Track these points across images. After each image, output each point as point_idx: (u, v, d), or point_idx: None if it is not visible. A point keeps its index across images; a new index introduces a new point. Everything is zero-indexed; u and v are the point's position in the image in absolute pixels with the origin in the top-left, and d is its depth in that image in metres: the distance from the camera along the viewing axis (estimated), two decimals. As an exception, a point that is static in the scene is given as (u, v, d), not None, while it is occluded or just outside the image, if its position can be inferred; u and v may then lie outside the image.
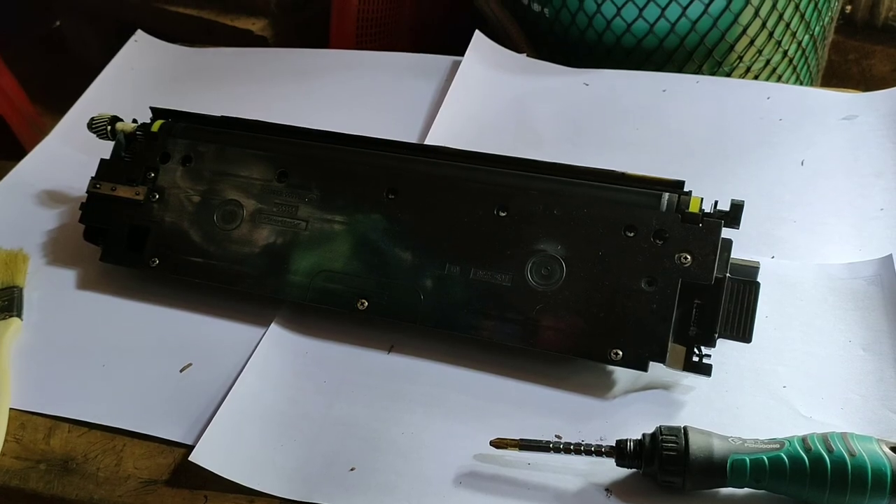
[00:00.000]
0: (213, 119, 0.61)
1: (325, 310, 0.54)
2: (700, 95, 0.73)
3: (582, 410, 0.49)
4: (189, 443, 0.48)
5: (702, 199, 0.50)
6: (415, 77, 0.79)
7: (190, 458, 0.46)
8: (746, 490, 0.43)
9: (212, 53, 0.87)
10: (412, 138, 0.71)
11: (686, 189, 0.51)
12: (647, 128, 0.70)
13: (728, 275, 0.49)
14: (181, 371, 0.53)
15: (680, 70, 0.83)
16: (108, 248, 0.59)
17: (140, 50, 0.87)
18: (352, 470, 0.46)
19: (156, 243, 0.58)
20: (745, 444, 0.42)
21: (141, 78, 0.83)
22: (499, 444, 0.45)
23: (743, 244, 0.52)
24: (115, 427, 0.50)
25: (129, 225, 0.59)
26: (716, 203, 0.51)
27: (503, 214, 0.52)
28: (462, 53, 0.79)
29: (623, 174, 0.52)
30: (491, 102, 0.74)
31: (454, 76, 0.76)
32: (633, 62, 0.84)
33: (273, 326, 0.55)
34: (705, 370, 0.48)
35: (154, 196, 0.59)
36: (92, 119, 0.63)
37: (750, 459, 0.41)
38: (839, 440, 0.41)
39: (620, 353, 0.48)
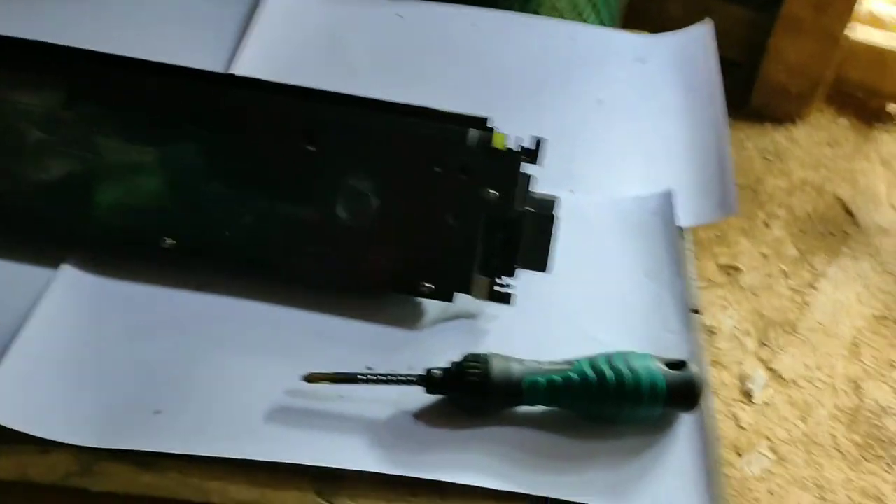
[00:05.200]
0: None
1: (127, 249, 0.51)
2: (509, 32, 0.75)
3: (392, 342, 0.50)
4: (-29, 395, 0.45)
5: (506, 135, 0.52)
6: (219, 2, 0.74)
7: (-29, 413, 0.43)
8: (541, 407, 0.46)
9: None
10: (217, 69, 0.67)
11: (491, 125, 0.53)
12: (459, 63, 0.71)
13: (528, 209, 0.51)
14: (-42, 319, 0.48)
15: (493, 5, 0.85)
16: None
17: None
18: (157, 413, 0.45)
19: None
20: (541, 366, 0.46)
21: None
22: (311, 378, 0.46)
23: (545, 180, 0.55)
24: None
25: None
26: (520, 141, 0.53)
27: (311, 148, 0.52)
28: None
29: (430, 109, 0.53)
30: (301, 31, 0.72)
31: (260, 2, 0.73)
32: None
33: (65, 267, 0.51)
34: (506, 299, 0.51)
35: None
36: None
37: (544, 379, 0.45)
38: (620, 359, 0.45)
39: (428, 285, 0.50)
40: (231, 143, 0.52)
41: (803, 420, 0.94)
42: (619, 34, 0.77)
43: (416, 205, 0.51)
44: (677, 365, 0.46)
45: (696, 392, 0.45)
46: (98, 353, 0.47)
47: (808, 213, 1.16)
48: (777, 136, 1.25)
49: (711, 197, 0.61)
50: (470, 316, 0.52)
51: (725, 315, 1.03)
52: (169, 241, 0.51)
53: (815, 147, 1.23)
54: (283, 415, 0.46)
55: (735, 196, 0.60)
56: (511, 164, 0.51)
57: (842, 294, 1.06)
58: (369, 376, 0.45)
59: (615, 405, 0.45)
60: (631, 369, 0.45)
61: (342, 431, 0.45)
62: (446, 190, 0.51)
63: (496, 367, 0.45)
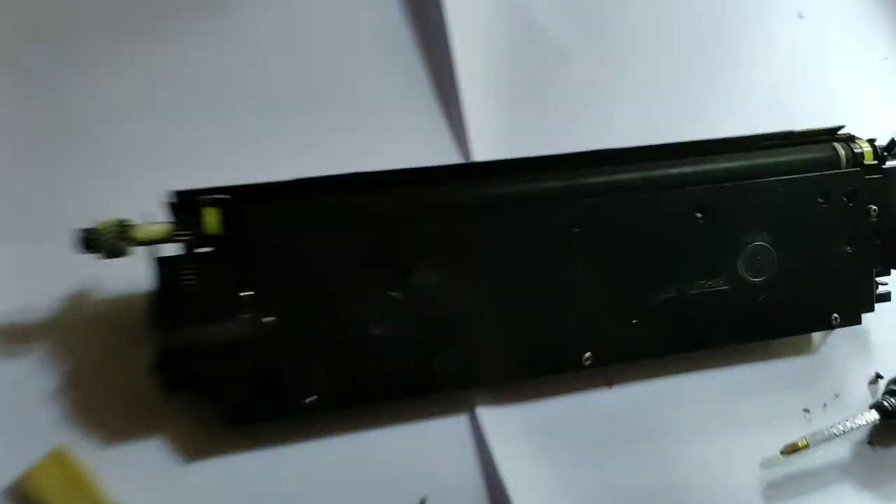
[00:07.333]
0: (282, 186, 0.43)
1: (546, 373, 0.48)
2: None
3: (804, 375, 0.52)
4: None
5: (873, 142, 0.50)
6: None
7: None
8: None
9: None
10: (419, 71, 0.55)
11: (849, 132, 0.51)
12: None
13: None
14: (426, 508, 0.45)
15: None
16: (231, 408, 0.43)
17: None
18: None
19: (298, 377, 0.43)
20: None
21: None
22: (789, 450, 0.48)
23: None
24: None
25: (248, 370, 0.43)
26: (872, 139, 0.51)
27: (699, 216, 0.48)
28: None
29: (789, 133, 0.50)
30: (484, 16, 0.60)
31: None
32: None
33: (481, 409, 0.47)
34: (888, 297, 0.52)
35: (262, 320, 0.42)
36: (90, 231, 0.40)
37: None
38: None
39: (838, 316, 0.51)
40: (622, 235, 0.47)
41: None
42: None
43: (813, 243, 0.50)
44: None
45: None
46: (579, 475, 0.47)
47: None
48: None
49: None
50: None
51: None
52: (588, 356, 0.47)
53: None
54: (775, 489, 0.48)
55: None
56: (891, 178, 0.50)
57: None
58: (832, 432, 0.48)
59: None
60: None
61: (824, 481, 0.49)
62: (836, 220, 0.50)
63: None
